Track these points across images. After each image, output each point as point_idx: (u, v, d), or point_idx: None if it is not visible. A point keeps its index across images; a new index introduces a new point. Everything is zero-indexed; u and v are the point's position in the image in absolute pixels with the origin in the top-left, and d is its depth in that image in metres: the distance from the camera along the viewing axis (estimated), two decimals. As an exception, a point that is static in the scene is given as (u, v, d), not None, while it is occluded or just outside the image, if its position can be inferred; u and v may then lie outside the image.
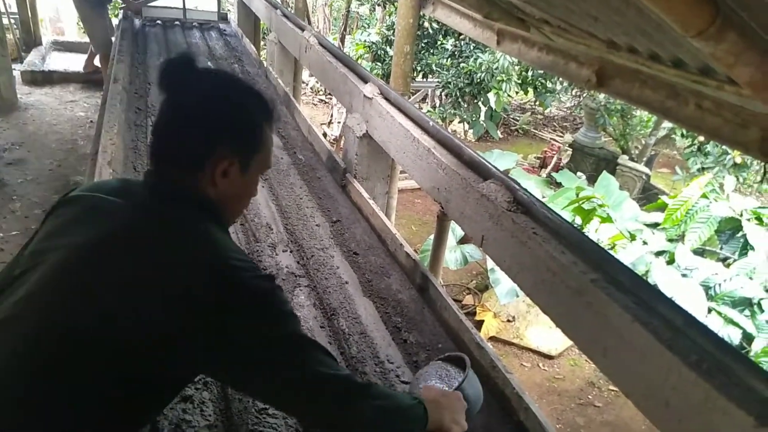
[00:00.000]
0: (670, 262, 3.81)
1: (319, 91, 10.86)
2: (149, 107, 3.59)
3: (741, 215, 4.02)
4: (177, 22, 6.18)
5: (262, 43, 7.91)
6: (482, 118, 8.88)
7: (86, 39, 10.43)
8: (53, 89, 6.69)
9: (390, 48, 8.04)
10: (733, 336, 3.27)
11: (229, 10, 10.45)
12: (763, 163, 5.80)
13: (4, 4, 7.08)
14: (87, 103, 6.44)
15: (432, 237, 2.70)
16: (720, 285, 3.54)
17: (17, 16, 7.77)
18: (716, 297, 3.49)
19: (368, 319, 1.88)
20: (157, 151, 0.97)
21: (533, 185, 5.29)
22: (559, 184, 6.01)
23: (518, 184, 1.74)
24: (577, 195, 4.46)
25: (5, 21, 6.86)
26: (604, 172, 5.57)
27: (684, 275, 3.62)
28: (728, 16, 0.78)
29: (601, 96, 7.63)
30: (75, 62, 7.60)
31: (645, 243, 4.01)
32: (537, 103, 10.51)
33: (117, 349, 0.82)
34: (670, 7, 0.77)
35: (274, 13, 5.03)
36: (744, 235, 3.95)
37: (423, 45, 8.09)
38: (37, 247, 0.92)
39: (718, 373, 1.01)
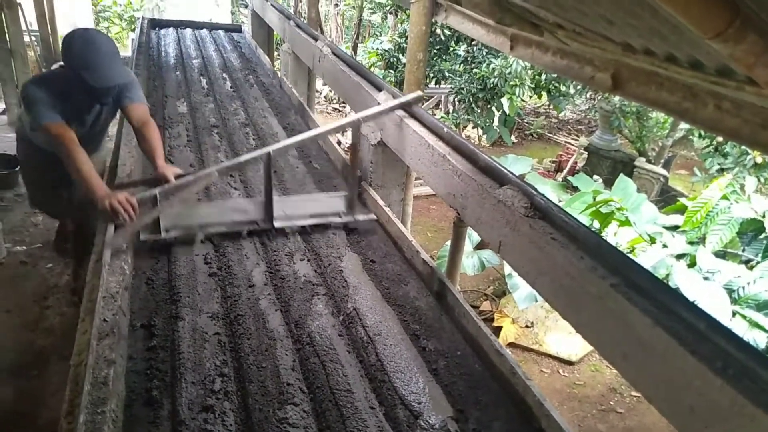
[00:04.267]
0: (692, 265, 3.75)
1: (333, 100, 10.92)
2: (166, 119, 3.64)
3: (763, 216, 3.94)
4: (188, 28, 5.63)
5: (275, 53, 8.00)
6: (496, 123, 8.85)
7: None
8: (73, 104, 6.80)
9: (402, 55, 8.07)
10: (758, 340, 3.20)
11: (242, 21, 10.59)
12: (784, 163, 5.70)
13: (25, 21, 7.24)
14: (105, 117, 6.55)
15: (448, 243, 2.70)
16: (744, 288, 3.47)
17: (38, 33, 7.95)
18: (740, 300, 3.43)
19: (387, 327, 1.88)
20: None
21: (549, 190, 5.25)
22: (575, 188, 5.96)
23: (535, 189, 1.74)
24: (595, 199, 4.42)
25: (26, 38, 7.02)
26: (621, 174, 5.52)
27: (706, 278, 3.56)
28: (747, 17, 0.77)
29: (616, 98, 7.57)
30: (93, 77, 7.74)
31: (665, 246, 3.95)
32: (551, 106, 10.46)
33: None
34: (688, 8, 0.76)
35: (287, 24, 5.09)
36: (767, 237, 3.88)
37: (435, 51, 8.11)
38: None
39: (744, 378, 0.99)
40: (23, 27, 7.01)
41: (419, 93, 2.46)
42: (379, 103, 2.75)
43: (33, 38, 7.77)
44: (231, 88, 4.56)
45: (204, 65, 5.14)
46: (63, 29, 9.18)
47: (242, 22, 9.94)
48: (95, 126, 2.74)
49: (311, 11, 6.75)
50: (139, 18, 7.00)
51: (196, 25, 6.76)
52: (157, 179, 2.27)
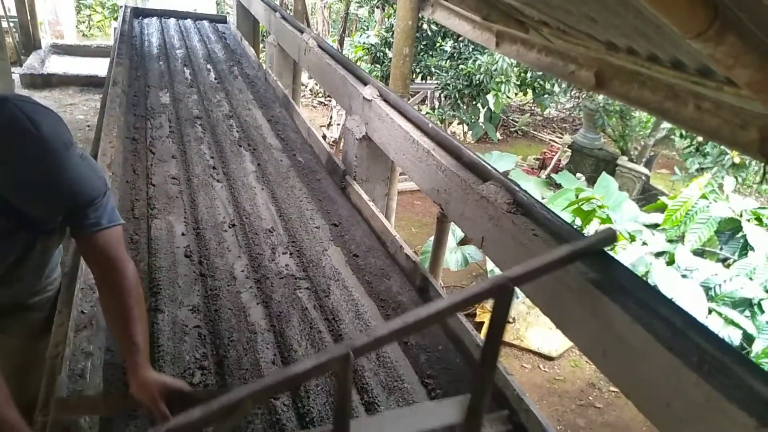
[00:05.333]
0: (670, 262, 3.81)
1: (318, 94, 10.86)
2: (148, 110, 3.59)
3: (741, 216, 4.02)
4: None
5: (261, 45, 7.92)
6: (481, 119, 8.88)
7: (87, 42, 10.46)
8: (52, 92, 6.70)
9: (389, 50, 8.05)
10: (733, 337, 3.26)
11: (228, 12, 10.48)
12: (762, 164, 5.81)
13: (4, 7, 7.08)
14: (86, 106, 6.46)
15: (432, 239, 2.70)
16: (720, 286, 3.53)
17: (16, 20, 7.78)
18: (716, 298, 3.49)
19: (369, 322, 1.88)
20: None
21: (533, 186, 5.29)
22: (558, 186, 6.01)
23: (518, 186, 1.74)
24: (577, 196, 4.46)
25: (5, 24, 6.86)
26: (604, 173, 5.58)
27: (684, 276, 3.61)
28: (727, 18, 0.78)
29: (600, 97, 7.63)
30: (74, 65, 7.62)
31: (645, 244, 4.00)
32: (536, 104, 10.52)
33: None
34: (670, 9, 0.77)
35: (273, 16, 5.04)
36: (744, 236, 3.94)
37: (422, 47, 8.10)
38: None
39: (718, 374, 1.01)
40: (1, 13, 6.85)
41: (610, 229, 1.34)
42: (365, 98, 2.74)
43: (11, 24, 7.60)
44: (215, 79, 4.51)
45: (188, 56, 5.08)
46: (42, 16, 9.00)
47: (227, 12, 9.83)
48: (23, 263, 1.40)
49: (297, 3, 6.70)
50: (121, 6, 6.88)
51: (180, 15, 6.67)
52: (131, 402, 1.25)
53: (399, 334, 1.11)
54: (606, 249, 1.37)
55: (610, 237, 1.33)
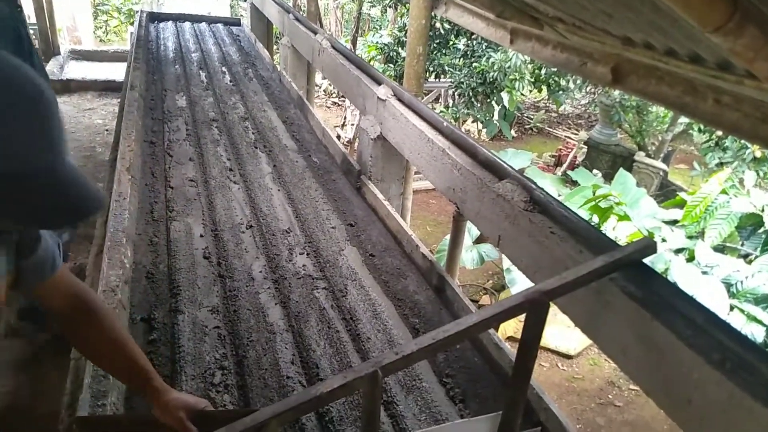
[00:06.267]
0: (690, 259, 3.76)
1: (332, 94, 10.90)
2: (165, 113, 3.63)
3: (762, 210, 3.95)
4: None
5: (275, 47, 7.97)
6: (496, 117, 8.85)
7: (104, 47, 10.62)
8: (71, 97, 6.81)
9: (402, 49, 8.05)
10: (756, 334, 3.21)
11: (241, 15, 10.56)
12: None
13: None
14: (104, 111, 6.55)
15: (448, 237, 2.70)
16: (742, 282, 3.48)
17: (36, 26, 7.92)
18: (738, 294, 3.44)
19: (387, 321, 1.88)
20: None
21: (549, 184, 5.25)
22: (575, 183, 5.97)
23: (534, 184, 1.73)
24: (594, 193, 4.42)
25: (24, 31, 6.98)
26: (621, 169, 5.52)
27: (704, 272, 3.57)
28: (747, 11, 0.77)
29: (616, 92, 7.56)
30: (92, 71, 7.75)
31: (664, 240, 3.96)
32: (551, 101, 10.44)
33: None
34: (687, 2, 0.76)
35: (286, 17, 5.07)
36: (766, 231, 3.88)
37: (435, 45, 8.09)
38: None
39: (741, 371, 1.00)
40: (21, 20, 6.96)
41: (648, 239, 1.29)
42: (379, 97, 2.74)
43: (31, 32, 7.74)
44: (230, 81, 4.55)
45: (203, 59, 5.13)
46: (61, 23, 9.15)
47: (241, 15, 9.91)
48: None
49: (310, 4, 6.73)
50: (137, 11, 6.97)
51: (195, 19, 6.74)
52: (153, 422, 1.18)
53: (428, 351, 1.07)
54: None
55: (648, 247, 1.28)
